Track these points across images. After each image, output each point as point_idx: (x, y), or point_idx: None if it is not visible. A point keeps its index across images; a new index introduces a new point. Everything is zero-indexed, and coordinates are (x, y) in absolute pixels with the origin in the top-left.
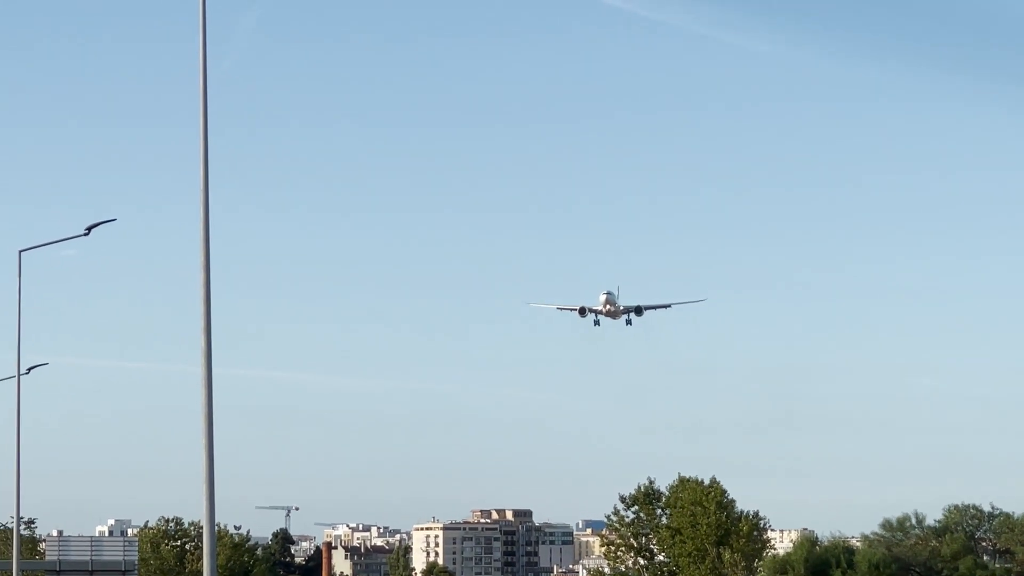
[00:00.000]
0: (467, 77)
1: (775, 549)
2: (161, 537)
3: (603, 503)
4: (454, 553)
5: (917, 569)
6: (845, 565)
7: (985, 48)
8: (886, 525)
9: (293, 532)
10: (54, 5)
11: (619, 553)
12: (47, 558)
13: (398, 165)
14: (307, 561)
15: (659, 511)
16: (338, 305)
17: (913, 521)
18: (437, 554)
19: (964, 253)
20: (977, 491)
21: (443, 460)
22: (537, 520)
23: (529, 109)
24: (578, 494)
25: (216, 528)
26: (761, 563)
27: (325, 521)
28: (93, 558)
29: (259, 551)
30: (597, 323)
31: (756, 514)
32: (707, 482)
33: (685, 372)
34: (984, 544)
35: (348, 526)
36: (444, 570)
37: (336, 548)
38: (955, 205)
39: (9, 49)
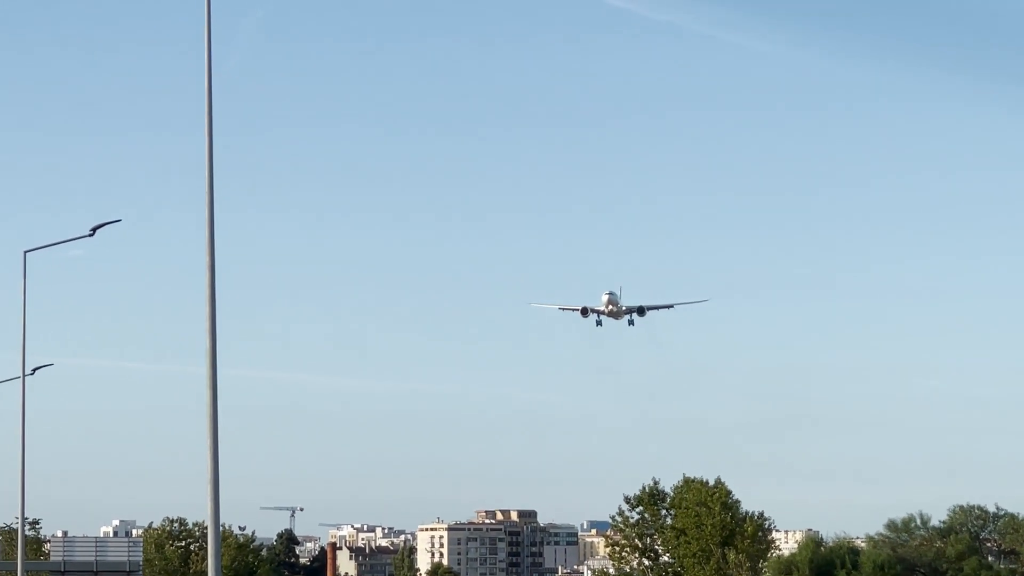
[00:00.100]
0: (469, 78)
1: (780, 550)
2: (165, 538)
3: (608, 504)
4: (459, 554)
5: (922, 570)
6: (850, 566)
7: (985, 48)
8: (891, 526)
9: (297, 533)
10: (57, 8)
11: (624, 554)
12: (52, 559)
13: (399, 166)
14: (311, 562)
15: (664, 512)
16: (340, 305)
17: (918, 522)
18: (442, 555)
19: (965, 253)
20: (982, 492)
21: (447, 461)
22: (542, 521)
23: (531, 109)
24: (583, 495)
25: (220, 529)
26: (766, 564)
27: (329, 522)
28: (98, 559)
29: (263, 552)
30: (599, 323)
31: (761, 515)
32: (712, 483)
33: (688, 373)
34: (989, 545)
35: (352, 527)
36: (449, 571)
37: (340, 549)
38: (955, 205)
39: (14, 52)
